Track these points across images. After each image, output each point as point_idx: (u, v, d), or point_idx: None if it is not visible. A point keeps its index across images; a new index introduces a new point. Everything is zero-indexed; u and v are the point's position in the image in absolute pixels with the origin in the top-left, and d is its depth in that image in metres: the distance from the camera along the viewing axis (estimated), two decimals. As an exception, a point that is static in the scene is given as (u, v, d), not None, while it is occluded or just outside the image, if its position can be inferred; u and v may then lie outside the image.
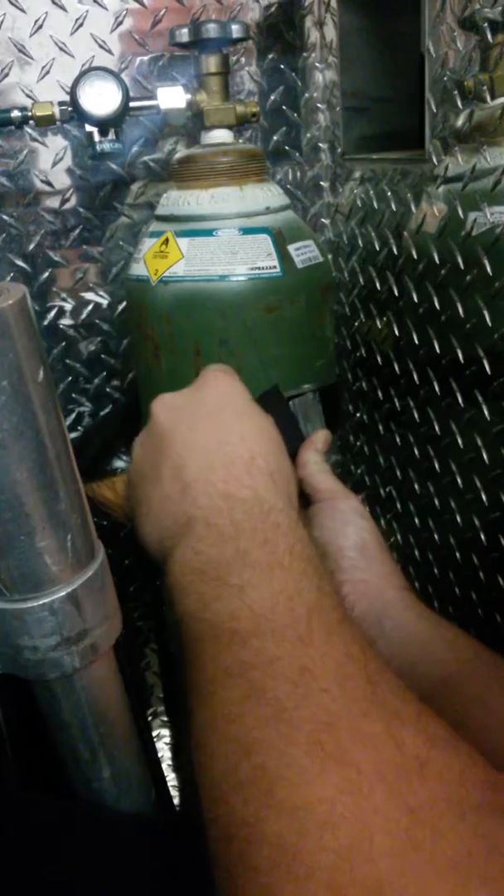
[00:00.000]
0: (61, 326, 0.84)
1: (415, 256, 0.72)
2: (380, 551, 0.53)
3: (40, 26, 0.73)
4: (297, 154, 0.86)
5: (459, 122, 0.65)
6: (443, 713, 0.41)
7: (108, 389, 0.89)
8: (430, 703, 0.42)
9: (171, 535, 0.42)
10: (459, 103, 0.64)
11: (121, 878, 0.38)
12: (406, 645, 0.47)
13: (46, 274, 0.82)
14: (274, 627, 0.34)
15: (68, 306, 0.84)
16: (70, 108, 0.66)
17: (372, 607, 0.49)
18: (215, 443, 0.44)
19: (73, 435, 0.90)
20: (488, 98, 0.61)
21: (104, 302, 0.85)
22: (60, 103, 0.67)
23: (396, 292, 0.77)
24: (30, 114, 0.66)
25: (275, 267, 0.62)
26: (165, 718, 1.01)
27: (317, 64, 0.82)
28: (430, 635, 0.47)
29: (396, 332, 0.79)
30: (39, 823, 0.38)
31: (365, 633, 0.37)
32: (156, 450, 0.46)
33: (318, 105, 0.84)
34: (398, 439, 0.84)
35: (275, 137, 0.84)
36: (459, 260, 0.66)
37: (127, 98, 0.66)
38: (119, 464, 0.93)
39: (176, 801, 0.65)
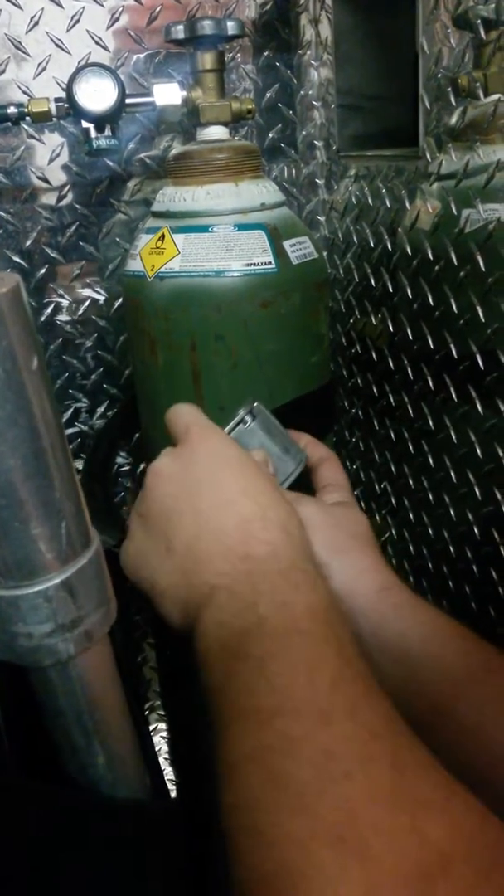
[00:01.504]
0: (58, 322, 0.85)
1: (409, 253, 0.73)
2: (351, 545, 0.51)
3: (36, 23, 0.73)
4: (293, 151, 0.86)
5: (453, 120, 0.65)
6: (438, 739, 0.38)
7: (104, 385, 0.89)
8: (424, 725, 0.40)
9: (195, 608, 0.40)
10: (453, 101, 0.64)
11: (116, 864, 0.39)
12: (391, 667, 0.45)
13: (43, 270, 0.82)
14: (295, 705, 0.33)
15: (65, 302, 0.84)
16: (66, 105, 0.67)
17: (353, 623, 0.47)
18: (223, 505, 0.43)
19: (70, 431, 0.91)
20: (481, 95, 0.62)
21: (101, 298, 0.85)
22: (57, 100, 0.67)
23: (391, 288, 0.78)
24: (26, 110, 0.67)
25: (270, 263, 0.63)
26: (162, 713, 1.02)
27: (312, 61, 0.83)
28: (421, 649, 0.45)
29: (391, 328, 0.79)
30: (35, 809, 0.38)
31: (387, 700, 0.35)
32: (163, 526, 0.44)
33: (314, 102, 0.85)
34: (393, 435, 0.84)
35: (270, 134, 0.84)
36: (453, 256, 0.66)
37: (123, 95, 0.66)
38: (118, 460, 0.94)
39: (173, 794, 0.65)
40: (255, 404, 0.57)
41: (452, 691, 0.43)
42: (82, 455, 0.91)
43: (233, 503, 0.43)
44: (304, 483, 0.58)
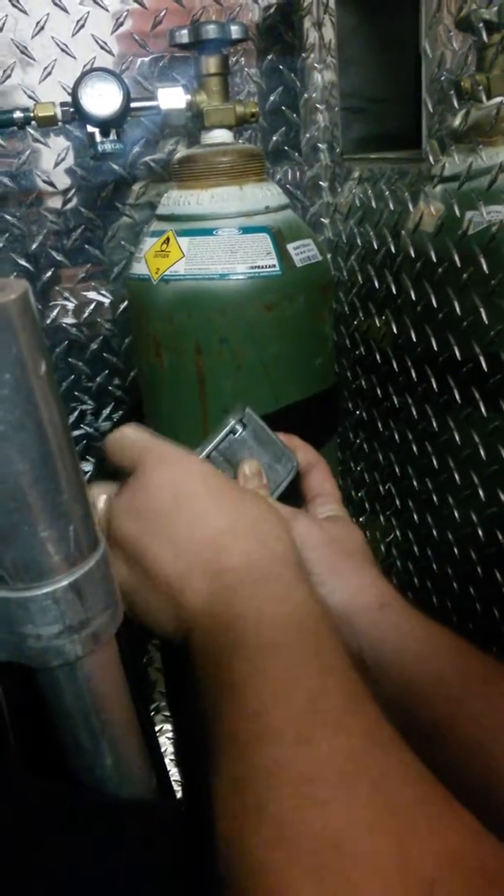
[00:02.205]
0: (64, 325, 0.85)
1: (412, 255, 0.73)
2: (346, 563, 0.50)
3: (42, 28, 0.74)
4: (297, 154, 0.86)
5: (456, 122, 0.65)
6: (440, 754, 0.39)
7: (110, 388, 0.90)
8: (425, 739, 0.40)
9: (185, 630, 0.40)
10: (456, 103, 0.65)
11: (122, 863, 0.39)
12: (391, 684, 0.44)
13: (49, 273, 0.82)
14: (273, 729, 0.32)
15: (70, 305, 0.85)
16: (72, 109, 0.67)
17: (353, 641, 0.46)
18: (190, 526, 0.42)
19: (76, 433, 0.91)
20: (484, 98, 0.62)
21: (106, 301, 0.86)
22: (62, 104, 0.67)
23: (394, 291, 0.78)
24: (32, 114, 0.67)
25: (274, 266, 0.63)
26: (168, 713, 1.02)
27: (315, 64, 0.83)
28: (420, 668, 0.44)
29: (395, 331, 0.79)
30: (41, 808, 0.38)
31: (379, 711, 0.34)
32: (138, 561, 0.43)
33: (317, 105, 0.85)
34: (397, 436, 0.84)
35: (274, 137, 0.85)
36: (456, 258, 0.66)
37: (128, 99, 0.66)
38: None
39: (178, 795, 0.65)
40: (246, 410, 0.56)
41: (451, 707, 0.42)
42: (88, 457, 0.92)
43: (200, 521, 0.43)
44: (293, 489, 0.58)
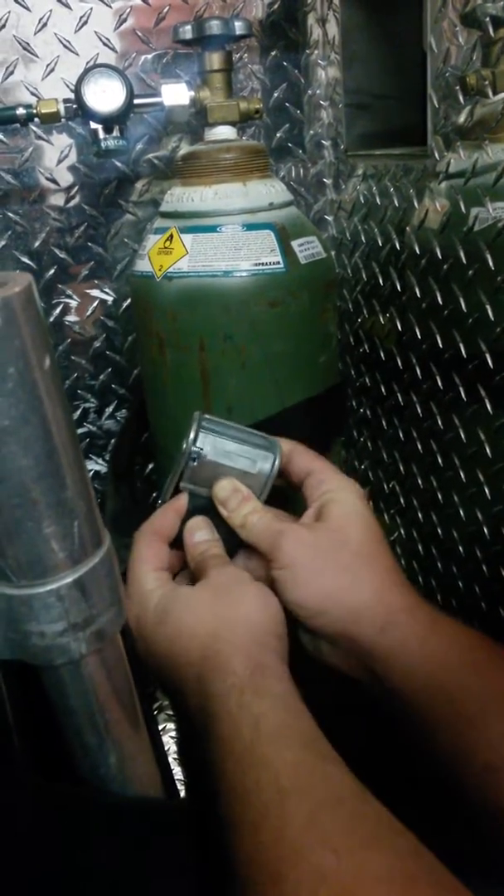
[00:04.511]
0: (67, 323, 0.85)
1: (417, 252, 0.72)
2: (343, 587, 0.48)
3: (45, 24, 0.73)
4: (301, 151, 0.86)
5: (461, 118, 0.65)
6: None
7: (113, 385, 0.89)
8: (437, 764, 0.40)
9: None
10: (461, 99, 0.64)
11: (126, 862, 0.39)
12: (406, 698, 0.44)
13: (52, 271, 0.82)
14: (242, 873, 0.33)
15: (73, 303, 0.85)
16: (75, 106, 0.67)
17: (363, 665, 0.47)
18: (169, 651, 0.46)
19: (79, 431, 0.91)
20: (490, 94, 0.61)
21: (109, 298, 0.85)
22: (65, 101, 0.67)
23: (399, 288, 0.78)
24: (35, 111, 0.67)
25: (278, 262, 0.63)
26: (171, 712, 1.02)
27: (319, 61, 0.83)
28: (431, 690, 0.44)
29: (399, 328, 0.79)
30: (45, 808, 0.38)
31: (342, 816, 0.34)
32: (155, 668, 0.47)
33: (321, 102, 0.85)
34: (401, 434, 0.84)
35: (278, 134, 0.84)
36: (462, 255, 0.66)
37: (131, 95, 0.66)
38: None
39: (182, 793, 0.65)
40: (200, 423, 0.53)
41: (466, 728, 0.42)
42: (91, 455, 0.92)
43: (174, 643, 0.45)
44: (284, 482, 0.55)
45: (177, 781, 0.52)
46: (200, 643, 0.44)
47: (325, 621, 0.47)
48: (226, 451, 0.53)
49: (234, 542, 0.52)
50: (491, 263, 0.63)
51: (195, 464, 0.53)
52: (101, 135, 0.68)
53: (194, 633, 0.45)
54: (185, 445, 0.53)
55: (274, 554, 0.49)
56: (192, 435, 0.53)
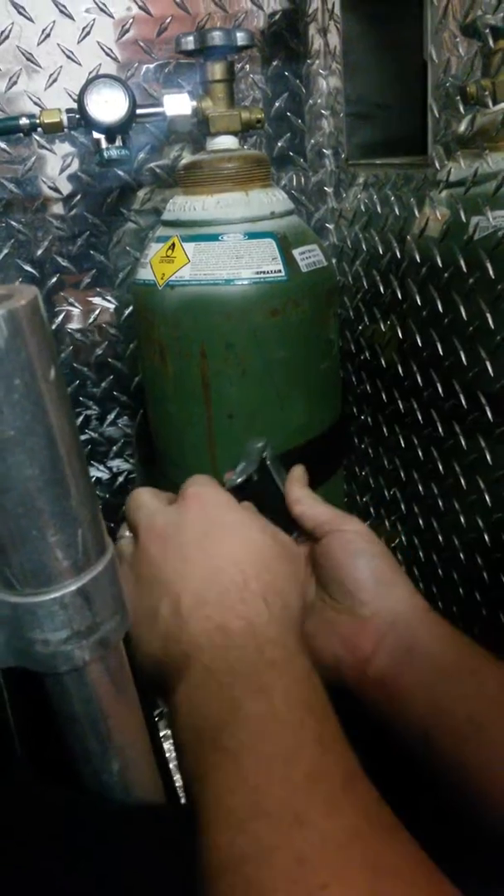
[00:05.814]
0: (69, 330, 0.86)
1: (418, 260, 0.73)
2: (395, 574, 0.50)
3: (48, 35, 0.74)
4: (302, 160, 0.87)
5: (462, 128, 0.65)
6: (470, 752, 0.39)
7: (114, 393, 0.90)
8: (458, 740, 0.40)
9: (169, 677, 0.41)
10: (462, 109, 0.65)
11: (129, 868, 0.39)
12: (432, 677, 0.45)
13: (54, 279, 0.83)
14: (269, 806, 0.32)
15: (76, 311, 0.85)
16: (77, 116, 0.67)
17: (401, 640, 0.47)
18: (208, 571, 0.43)
19: (81, 438, 0.91)
20: (490, 103, 0.62)
21: (111, 306, 0.86)
22: (68, 110, 0.68)
23: (400, 296, 0.78)
24: (38, 121, 0.67)
25: (279, 271, 0.63)
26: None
27: (320, 71, 0.83)
28: (456, 668, 0.45)
29: (400, 336, 0.79)
30: (48, 815, 0.38)
31: (370, 789, 0.33)
32: (150, 590, 0.44)
33: (322, 111, 0.85)
34: (402, 441, 0.84)
35: (279, 143, 0.85)
36: (462, 263, 0.67)
37: (133, 105, 0.67)
38: (126, 466, 0.94)
39: (182, 800, 0.65)
40: (265, 454, 0.57)
41: (484, 705, 0.42)
42: (93, 462, 0.92)
43: (218, 571, 0.43)
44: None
45: (178, 788, 0.52)
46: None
47: (372, 597, 0.49)
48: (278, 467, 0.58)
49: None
50: (491, 272, 0.63)
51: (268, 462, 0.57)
52: (104, 144, 0.69)
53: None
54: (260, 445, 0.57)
55: (337, 522, 0.52)
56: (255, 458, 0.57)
